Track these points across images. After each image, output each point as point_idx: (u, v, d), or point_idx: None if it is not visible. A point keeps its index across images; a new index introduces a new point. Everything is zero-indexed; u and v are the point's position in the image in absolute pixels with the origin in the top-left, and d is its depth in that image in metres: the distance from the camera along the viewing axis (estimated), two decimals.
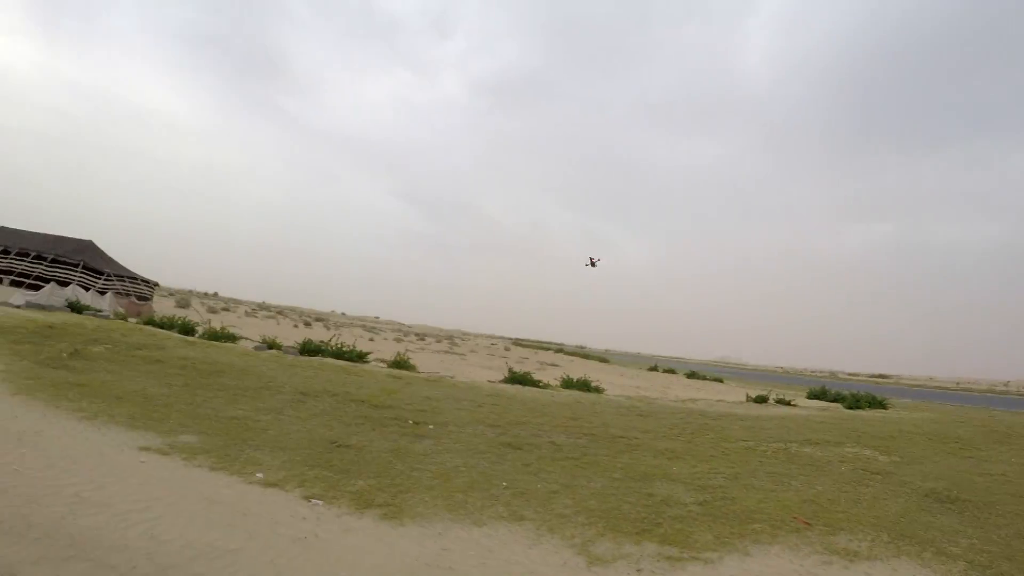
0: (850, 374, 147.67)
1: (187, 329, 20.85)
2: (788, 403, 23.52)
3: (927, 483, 9.75)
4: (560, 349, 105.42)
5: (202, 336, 20.17)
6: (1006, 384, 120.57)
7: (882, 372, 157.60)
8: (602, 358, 76.57)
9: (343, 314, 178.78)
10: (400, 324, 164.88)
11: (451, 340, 74.71)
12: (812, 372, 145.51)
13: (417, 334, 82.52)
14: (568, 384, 20.34)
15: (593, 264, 44.09)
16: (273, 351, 18.77)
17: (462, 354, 40.78)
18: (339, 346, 20.32)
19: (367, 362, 19.81)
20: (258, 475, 6.29)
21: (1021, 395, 72.38)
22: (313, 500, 5.74)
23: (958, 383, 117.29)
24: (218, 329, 21.02)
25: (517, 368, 21.87)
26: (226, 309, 62.32)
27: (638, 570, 5.03)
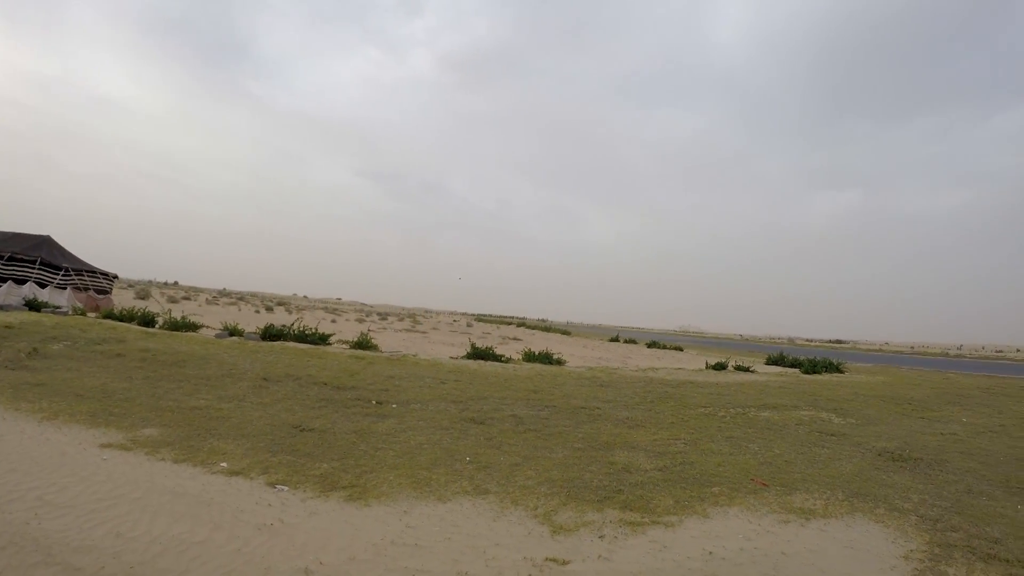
0: (808, 340, 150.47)
1: (147, 320, 20.42)
2: (747, 370, 23.91)
3: (881, 443, 10.13)
4: (522, 323, 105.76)
5: (162, 327, 19.77)
6: (959, 348, 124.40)
7: (839, 338, 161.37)
8: (564, 331, 76.91)
9: (305, 297, 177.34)
10: (362, 304, 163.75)
11: (413, 318, 74.44)
12: (771, 339, 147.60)
13: (379, 314, 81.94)
14: (530, 357, 20.41)
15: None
16: (234, 338, 18.52)
17: (424, 332, 40.60)
18: (301, 329, 20.08)
19: (329, 344, 19.64)
20: (222, 464, 6.25)
21: (973, 359, 74.41)
22: (277, 486, 5.72)
23: (912, 348, 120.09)
24: (179, 319, 20.58)
25: (479, 343, 21.85)
26: (187, 298, 60.99)
27: (600, 536, 5.12)
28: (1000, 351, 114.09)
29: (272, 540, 4.53)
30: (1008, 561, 5.13)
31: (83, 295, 29.90)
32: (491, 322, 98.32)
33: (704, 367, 23.98)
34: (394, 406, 10.06)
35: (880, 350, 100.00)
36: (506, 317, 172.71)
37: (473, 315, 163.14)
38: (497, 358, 19.10)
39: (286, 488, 5.70)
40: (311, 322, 27.17)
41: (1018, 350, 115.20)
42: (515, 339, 40.50)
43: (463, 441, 8.14)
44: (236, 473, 6.03)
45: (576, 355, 27.59)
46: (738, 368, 24.13)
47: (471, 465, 7.04)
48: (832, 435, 10.61)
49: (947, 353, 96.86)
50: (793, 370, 27.23)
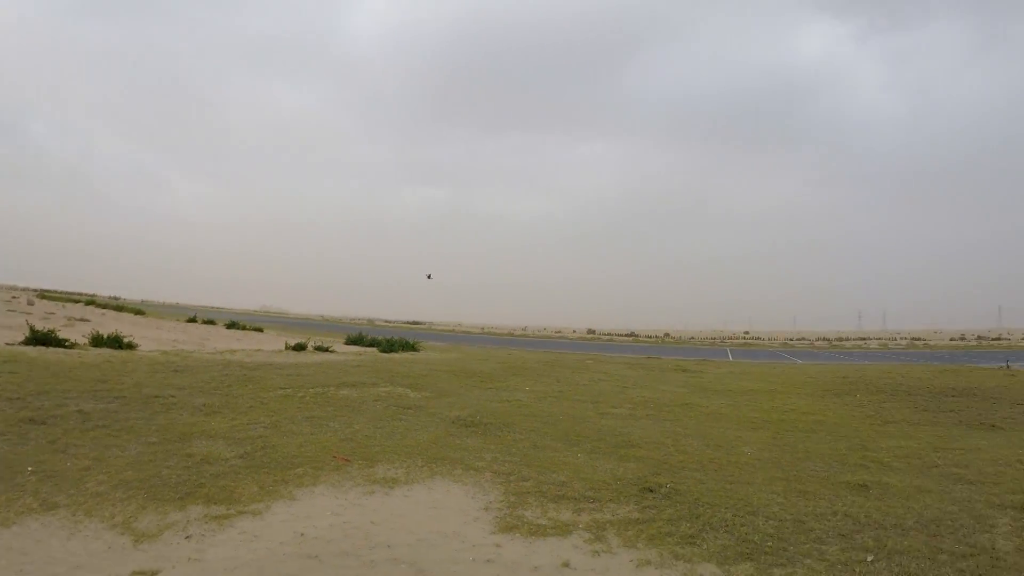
0: (387, 321, 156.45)
1: None
2: (326, 350, 24.05)
3: (454, 412, 11.09)
4: (92, 301, 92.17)
5: None
6: (524, 329, 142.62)
7: (416, 319, 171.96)
8: (138, 310, 69.10)
9: None
10: None
11: None
12: (351, 320, 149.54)
13: None
14: (98, 341, 18.47)
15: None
16: None
17: None
18: None
19: None
20: None
21: (535, 337, 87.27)
22: None
23: (483, 328, 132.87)
24: None
25: (40, 326, 19.11)
26: None
27: (187, 537, 4.94)
28: (559, 332, 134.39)
29: None
30: (575, 499, 6.16)
31: None
32: (56, 299, 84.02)
33: (284, 348, 23.58)
34: None
35: (453, 330, 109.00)
36: (74, 293, 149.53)
37: (36, 291, 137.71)
38: (61, 343, 17.06)
39: None
40: None
41: (574, 331, 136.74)
42: (83, 320, 35.53)
43: (22, 447, 6.93)
44: None
45: (150, 338, 25.21)
46: (318, 348, 24.21)
47: (34, 476, 6.09)
48: (409, 408, 11.22)
49: (512, 333, 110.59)
50: (371, 349, 27.83)
